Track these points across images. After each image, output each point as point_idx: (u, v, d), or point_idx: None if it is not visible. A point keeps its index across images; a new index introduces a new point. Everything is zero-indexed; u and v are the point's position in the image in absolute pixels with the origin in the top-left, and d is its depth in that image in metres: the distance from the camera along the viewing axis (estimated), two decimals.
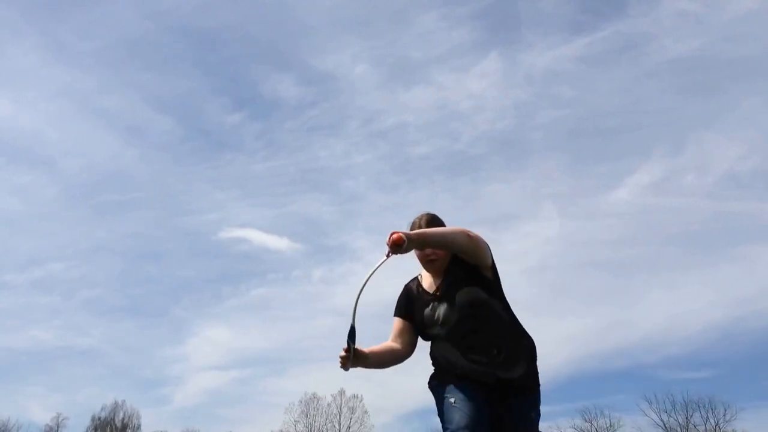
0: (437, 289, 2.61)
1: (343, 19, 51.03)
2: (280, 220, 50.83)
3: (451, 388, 2.47)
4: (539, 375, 2.56)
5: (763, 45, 47.80)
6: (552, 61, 45.09)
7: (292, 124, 49.75)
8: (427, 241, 2.48)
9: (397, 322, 2.70)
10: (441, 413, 2.49)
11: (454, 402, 2.44)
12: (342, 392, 38.71)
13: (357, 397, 38.52)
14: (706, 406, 32.65)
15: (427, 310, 2.59)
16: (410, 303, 2.69)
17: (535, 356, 2.57)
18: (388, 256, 2.36)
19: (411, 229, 2.57)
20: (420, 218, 2.67)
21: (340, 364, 2.46)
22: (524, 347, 2.54)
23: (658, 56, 45.73)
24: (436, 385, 2.57)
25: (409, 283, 2.76)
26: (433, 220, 2.66)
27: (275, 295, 48.14)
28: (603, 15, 54.37)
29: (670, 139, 48.81)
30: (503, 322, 2.53)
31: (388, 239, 2.34)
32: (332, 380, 46.45)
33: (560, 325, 43.37)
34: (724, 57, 45.39)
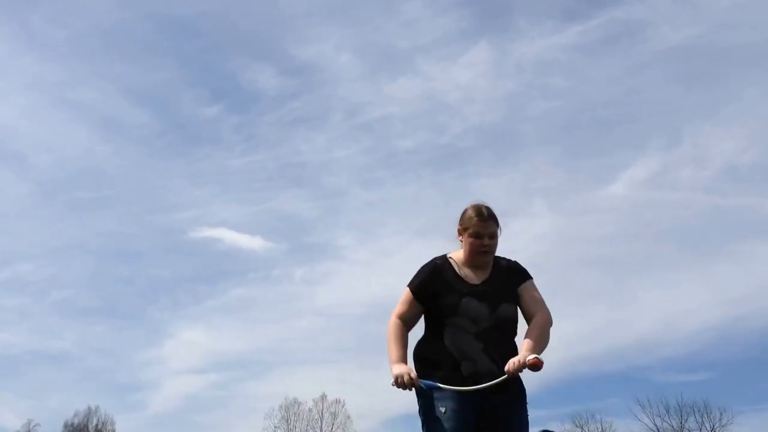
0: (482, 283, 2.61)
1: (326, 7, 50.45)
2: (259, 217, 50.10)
3: (444, 395, 2.47)
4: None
5: (763, 33, 47.17)
6: (543, 50, 44.54)
7: (272, 116, 49.12)
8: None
9: (411, 300, 2.66)
10: (426, 415, 2.49)
11: (445, 412, 2.44)
12: (324, 397, 38.28)
13: (339, 402, 38.14)
14: (701, 409, 32.45)
15: (465, 301, 2.57)
16: (438, 284, 2.63)
17: None
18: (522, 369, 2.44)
19: (471, 218, 2.62)
20: (483, 207, 2.65)
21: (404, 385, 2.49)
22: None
23: (654, 45, 44.78)
24: (428, 385, 2.52)
25: (438, 261, 2.70)
26: (494, 214, 2.66)
27: (255, 295, 47.50)
28: (597, 1, 54.29)
29: (666, 132, 48.06)
30: (515, 344, 2.59)
31: (527, 363, 2.39)
32: (313, 384, 46.12)
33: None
34: (722, 45, 44.74)
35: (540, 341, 2.52)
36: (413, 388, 2.48)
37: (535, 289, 2.68)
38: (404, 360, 2.56)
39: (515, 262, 2.74)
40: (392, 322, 2.63)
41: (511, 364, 2.41)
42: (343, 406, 37.96)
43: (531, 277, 2.70)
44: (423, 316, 2.67)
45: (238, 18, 49.40)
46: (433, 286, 2.62)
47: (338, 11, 49.42)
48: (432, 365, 2.56)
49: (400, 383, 2.46)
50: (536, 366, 2.38)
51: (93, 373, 46.81)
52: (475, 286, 2.61)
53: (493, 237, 2.62)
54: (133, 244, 50.04)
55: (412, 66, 47.76)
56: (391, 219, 49.45)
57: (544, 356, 2.44)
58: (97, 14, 48.87)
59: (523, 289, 2.65)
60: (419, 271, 2.69)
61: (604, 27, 45.20)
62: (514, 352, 2.52)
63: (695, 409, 32.55)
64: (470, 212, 2.65)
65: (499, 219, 2.66)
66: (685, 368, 50.18)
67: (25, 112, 49.62)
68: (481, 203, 2.68)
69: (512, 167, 47.49)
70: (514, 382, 2.51)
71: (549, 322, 2.61)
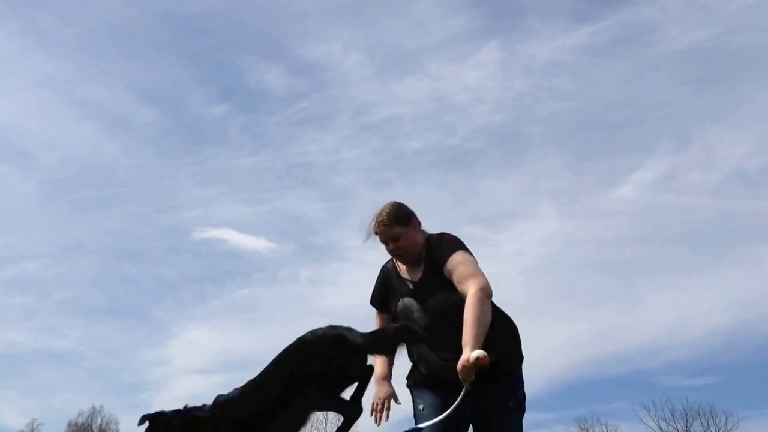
0: (418, 280, 2.55)
1: (335, 6, 50.26)
2: (265, 217, 50.04)
3: (421, 392, 2.52)
4: (522, 359, 2.54)
5: None
6: (553, 52, 43.83)
7: (280, 116, 48.94)
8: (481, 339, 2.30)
9: (376, 314, 2.72)
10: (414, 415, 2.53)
11: (423, 409, 2.49)
12: None
13: None
14: (707, 414, 32.19)
15: (402, 302, 2.56)
16: (385, 291, 2.66)
17: (518, 340, 2.56)
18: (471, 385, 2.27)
19: (376, 227, 2.56)
20: (379, 215, 2.57)
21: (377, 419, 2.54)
22: (502, 333, 2.47)
23: (664, 47, 43.83)
24: (410, 385, 2.61)
25: (387, 265, 2.71)
26: (396, 212, 2.56)
27: (261, 295, 47.39)
28: (607, 3, 53.86)
29: (674, 134, 47.15)
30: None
31: (472, 367, 2.20)
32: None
33: (558, 329, 42.37)
34: (732, 48, 43.93)
35: (475, 328, 2.25)
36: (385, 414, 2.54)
37: (460, 261, 2.45)
38: (387, 376, 2.58)
39: (438, 238, 2.58)
40: None
41: (462, 372, 2.21)
42: None
43: (454, 249, 2.48)
44: None
45: (247, 16, 49.37)
46: (382, 294, 2.67)
47: (347, 11, 49.30)
48: (409, 375, 2.62)
49: (372, 409, 2.52)
50: (484, 365, 2.20)
51: (97, 373, 46.76)
52: (411, 284, 2.57)
53: (397, 239, 2.54)
54: (139, 243, 50.04)
55: (420, 66, 47.56)
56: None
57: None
58: (106, 12, 48.75)
59: (446, 268, 2.45)
60: (374, 285, 2.72)
61: (615, 29, 44.83)
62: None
63: (701, 413, 32.31)
64: (371, 221, 2.60)
65: (406, 213, 2.57)
66: (692, 372, 49.62)
67: (32, 110, 49.68)
68: (384, 206, 2.60)
69: (520, 169, 47.26)
70: (495, 384, 2.38)
71: (480, 298, 2.31)
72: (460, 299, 2.35)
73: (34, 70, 48.53)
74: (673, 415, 32.22)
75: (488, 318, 2.31)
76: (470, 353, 2.18)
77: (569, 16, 50.13)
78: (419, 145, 48.17)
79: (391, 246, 2.56)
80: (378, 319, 2.69)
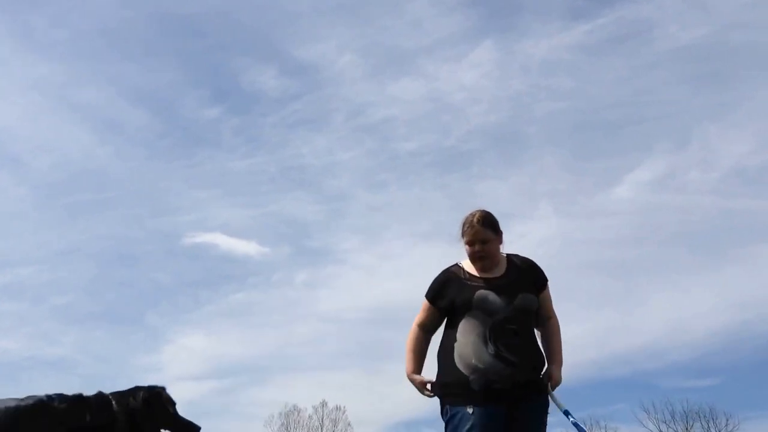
0: (498, 278, 2.70)
1: (329, 6, 49.91)
2: (260, 220, 49.71)
3: (465, 414, 2.53)
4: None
5: None
6: (550, 51, 43.22)
7: (274, 118, 48.56)
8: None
9: (428, 307, 2.81)
10: None
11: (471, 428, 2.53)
12: (324, 404, 37.62)
13: (340, 409, 37.50)
14: (707, 415, 32.05)
15: (480, 293, 2.64)
16: (452, 286, 2.74)
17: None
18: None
19: (464, 227, 2.76)
20: (473, 216, 2.74)
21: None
22: (542, 356, 2.74)
23: (662, 45, 42.41)
24: (449, 403, 2.63)
25: (450, 268, 2.82)
26: (490, 219, 2.75)
27: (255, 299, 47.06)
28: (604, 0, 53.44)
29: (673, 133, 45.76)
30: (534, 336, 2.74)
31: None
32: (314, 391, 45.64)
33: None
34: (731, 45, 42.59)
35: (561, 353, 2.77)
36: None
37: (549, 291, 2.85)
38: (418, 370, 2.77)
39: (529, 259, 2.85)
40: (411, 331, 2.82)
41: (553, 383, 2.68)
42: (343, 413, 37.42)
43: (547, 279, 2.83)
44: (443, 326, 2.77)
45: (242, 17, 48.89)
46: (446, 289, 2.74)
47: (342, 11, 48.91)
48: (446, 392, 2.66)
49: (426, 394, 2.72)
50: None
51: (92, 380, 46.22)
52: (490, 279, 2.69)
53: (486, 242, 2.71)
54: (133, 248, 49.60)
55: (416, 67, 47.26)
56: (394, 222, 49.05)
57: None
58: (99, 14, 48.36)
59: (546, 291, 2.82)
60: (433, 280, 2.82)
61: (612, 26, 44.28)
62: (533, 345, 2.68)
63: (701, 415, 32.24)
64: (463, 221, 2.77)
65: (497, 222, 2.77)
66: (693, 374, 49.29)
67: (24, 114, 49.18)
68: (477, 210, 2.77)
69: (517, 169, 47.01)
70: (538, 394, 2.65)
71: (558, 330, 2.84)
72: (537, 307, 2.71)
73: (26, 73, 48.16)
74: (673, 417, 32.15)
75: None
76: (558, 375, 2.69)
77: (566, 14, 49.74)
78: (415, 146, 47.90)
79: (477, 247, 2.71)
80: (427, 311, 2.81)
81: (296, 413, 36.97)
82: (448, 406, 2.61)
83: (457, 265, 2.82)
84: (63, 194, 48.86)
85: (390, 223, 48.21)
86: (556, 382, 2.66)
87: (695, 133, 43.62)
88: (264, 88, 47.58)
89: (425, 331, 2.79)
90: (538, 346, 2.71)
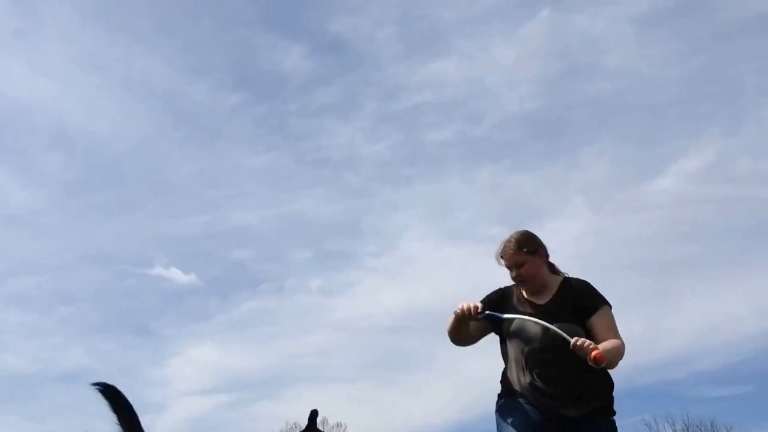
0: (543, 304, 2.64)
1: None
2: (276, 220, 48.60)
3: (510, 404, 2.61)
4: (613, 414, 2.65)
5: None
6: (599, 25, 40.40)
7: (295, 105, 45.99)
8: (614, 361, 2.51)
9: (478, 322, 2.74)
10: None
11: (511, 422, 2.57)
12: (325, 421, 37.36)
13: (340, 426, 37.34)
14: (708, 428, 31.70)
15: (519, 321, 2.60)
16: (503, 304, 2.71)
17: (612, 391, 2.65)
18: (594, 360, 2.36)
19: (500, 252, 2.71)
20: (509, 241, 2.71)
21: (468, 310, 2.56)
22: (602, 388, 2.60)
23: (728, 14, 40.18)
24: (502, 404, 2.68)
25: (509, 287, 2.79)
26: (525, 240, 2.70)
27: (268, 307, 45.99)
28: None
29: (724, 117, 43.16)
30: (579, 365, 2.47)
31: (591, 352, 2.34)
32: (318, 406, 44.65)
33: None
34: None
35: (612, 350, 2.44)
36: (476, 319, 2.59)
37: (610, 316, 2.62)
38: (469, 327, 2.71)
39: (586, 283, 2.72)
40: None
41: (580, 340, 2.37)
42: (344, 430, 37.33)
43: (606, 303, 2.63)
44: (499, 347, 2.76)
45: None
46: (498, 304, 2.70)
47: None
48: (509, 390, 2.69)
49: (465, 308, 2.56)
50: (597, 361, 2.33)
51: (97, 395, 45.88)
52: (537, 305, 2.65)
53: (521, 265, 2.66)
54: (142, 252, 48.95)
55: (450, 46, 44.22)
56: (417, 222, 47.16)
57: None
58: None
59: (597, 315, 2.59)
60: (488, 294, 2.78)
61: None
62: (574, 375, 2.50)
63: (702, 429, 31.83)
64: (501, 244, 2.74)
65: (534, 241, 2.71)
66: (716, 382, 47.44)
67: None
68: (513, 233, 2.74)
69: (550, 161, 42.82)
70: (592, 402, 2.54)
71: (623, 348, 2.52)
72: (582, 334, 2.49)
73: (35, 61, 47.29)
74: (674, 431, 31.81)
75: (616, 361, 2.49)
76: (594, 346, 2.36)
77: None
78: (445, 136, 44.91)
79: (514, 272, 2.67)
80: (476, 325, 2.71)
81: (296, 430, 37.55)
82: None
83: (514, 285, 2.77)
84: (76, 195, 48.16)
85: (413, 223, 46.46)
86: (583, 344, 2.36)
87: (748, 117, 41.11)
88: (287, 71, 45.23)
89: (471, 328, 2.70)
90: (582, 375, 2.48)
